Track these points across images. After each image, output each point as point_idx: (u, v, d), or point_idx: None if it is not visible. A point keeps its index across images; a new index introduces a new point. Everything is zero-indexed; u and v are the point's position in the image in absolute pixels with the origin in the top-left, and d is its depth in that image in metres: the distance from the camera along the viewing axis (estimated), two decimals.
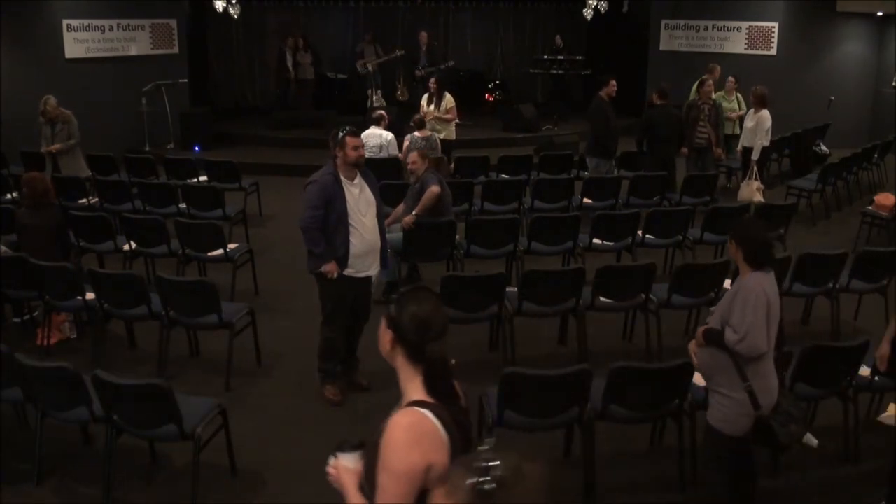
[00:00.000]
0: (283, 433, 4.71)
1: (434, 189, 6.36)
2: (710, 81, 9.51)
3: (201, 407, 4.05)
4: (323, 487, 4.26)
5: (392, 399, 5.10)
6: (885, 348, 3.95)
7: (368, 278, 5.05)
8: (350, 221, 4.80)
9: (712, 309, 3.72)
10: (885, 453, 4.43)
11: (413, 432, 2.06)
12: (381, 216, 5.05)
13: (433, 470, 2.03)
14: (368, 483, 2.13)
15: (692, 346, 3.66)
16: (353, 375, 5.22)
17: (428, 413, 2.10)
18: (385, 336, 2.25)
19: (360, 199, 4.86)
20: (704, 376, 3.61)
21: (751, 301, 3.34)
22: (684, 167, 9.18)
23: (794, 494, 4.15)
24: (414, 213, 6.40)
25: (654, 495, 4.16)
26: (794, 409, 3.54)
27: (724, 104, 10.07)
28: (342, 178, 4.80)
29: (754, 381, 3.39)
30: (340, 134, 4.78)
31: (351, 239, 4.81)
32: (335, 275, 4.81)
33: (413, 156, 6.62)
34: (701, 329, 3.58)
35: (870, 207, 8.21)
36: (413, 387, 2.19)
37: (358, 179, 4.88)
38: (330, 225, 4.78)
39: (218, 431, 4.13)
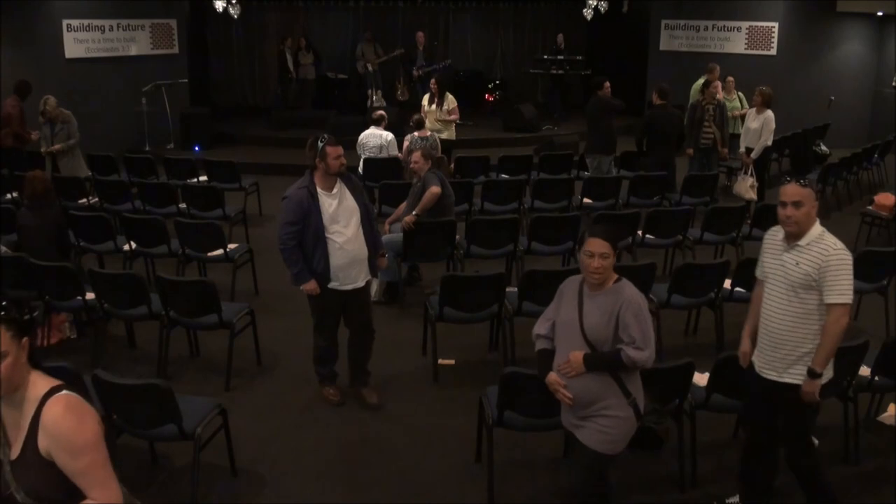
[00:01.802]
0: (283, 433, 4.70)
1: (434, 189, 6.36)
2: (717, 83, 9.51)
3: (201, 407, 4.05)
4: (323, 487, 4.27)
5: (394, 403, 5.04)
6: (745, 344, 3.74)
7: (357, 290, 4.79)
8: (327, 235, 4.58)
9: (542, 332, 3.46)
10: (885, 453, 4.45)
11: (76, 409, 2.16)
12: (368, 222, 4.77)
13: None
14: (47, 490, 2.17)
15: (554, 378, 3.34)
16: (361, 391, 5.06)
17: (70, 393, 2.20)
18: (21, 355, 2.18)
19: (338, 209, 4.61)
20: (581, 406, 3.30)
21: (644, 313, 3.23)
22: (685, 167, 9.19)
23: (793, 494, 4.15)
24: (414, 213, 6.40)
25: (654, 495, 4.16)
26: (657, 405, 3.54)
27: (727, 103, 10.08)
28: (319, 189, 4.58)
29: (635, 393, 3.31)
30: (320, 144, 4.52)
31: (329, 252, 4.61)
32: (317, 292, 4.68)
33: (416, 155, 6.61)
34: (576, 358, 3.26)
35: (870, 207, 8.21)
36: (36, 382, 2.21)
37: (337, 188, 4.63)
38: (308, 240, 4.59)
39: (218, 431, 4.13)
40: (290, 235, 4.56)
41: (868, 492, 4.15)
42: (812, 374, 3.41)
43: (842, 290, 3.32)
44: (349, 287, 4.73)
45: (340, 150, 4.58)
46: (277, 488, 4.20)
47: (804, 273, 3.37)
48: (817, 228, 3.43)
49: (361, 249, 4.73)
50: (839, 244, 3.38)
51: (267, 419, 4.86)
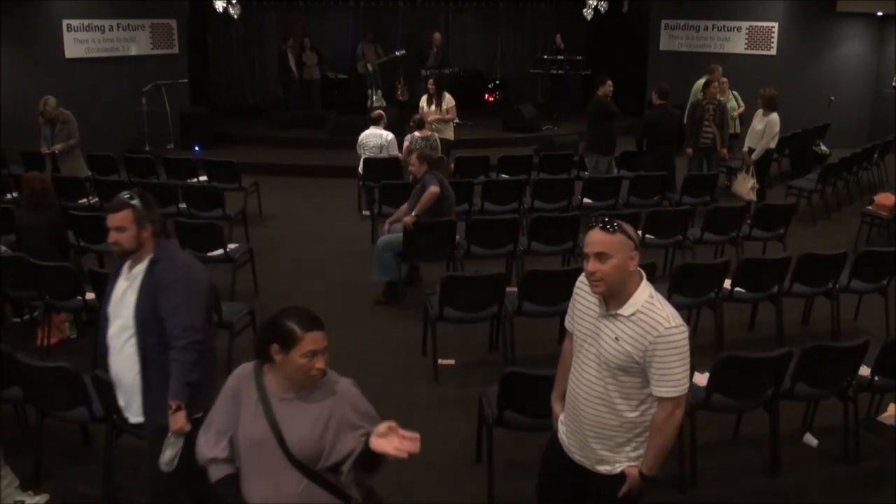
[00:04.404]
0: None
1: (433, 190, 6.37)
2: (717, 83, 9.53)
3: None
4: None
5: (394, 403, 5.00)
6: (558, 409, 3.02)
7: (133, 424, 3.27)
8: (107, 326, 3.21)
9: (219, 455, 2.57)
10: (885, 453, 4.45)
11: None
12: (146, 342, 3.09)
13: None
14: None
15: None
16: None
17: None
18: None
19: (122, 300, 3.15)
20: None
21: (370, 406, 2.61)
22: (684, 167, 9.19)
23: (794, 494, 4.15)
24: (413, 213, 6.41)
25: (653, 495, 4.15)
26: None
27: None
28: (126, 263, 3.22)
29: (358, 486, 2.68)
30: None
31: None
32: None
33: (412, 158, 6.63)
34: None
35: (870, 207, 8.22)
36: None
37: (136, 271, 3.14)
38: None
39: None
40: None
41: (868, 492, 4.15)
42: (642, 476, 2.71)
43: (676, 381, 2.58)
44: (126, 414, 3.27)
45: (117, 219, 3.11)
46: None
47: (624, 353, 2.59)
48: (643, 292, 2.64)
49: (122, 372, 3.18)
50: (673, 318, 2.59)
51: None
